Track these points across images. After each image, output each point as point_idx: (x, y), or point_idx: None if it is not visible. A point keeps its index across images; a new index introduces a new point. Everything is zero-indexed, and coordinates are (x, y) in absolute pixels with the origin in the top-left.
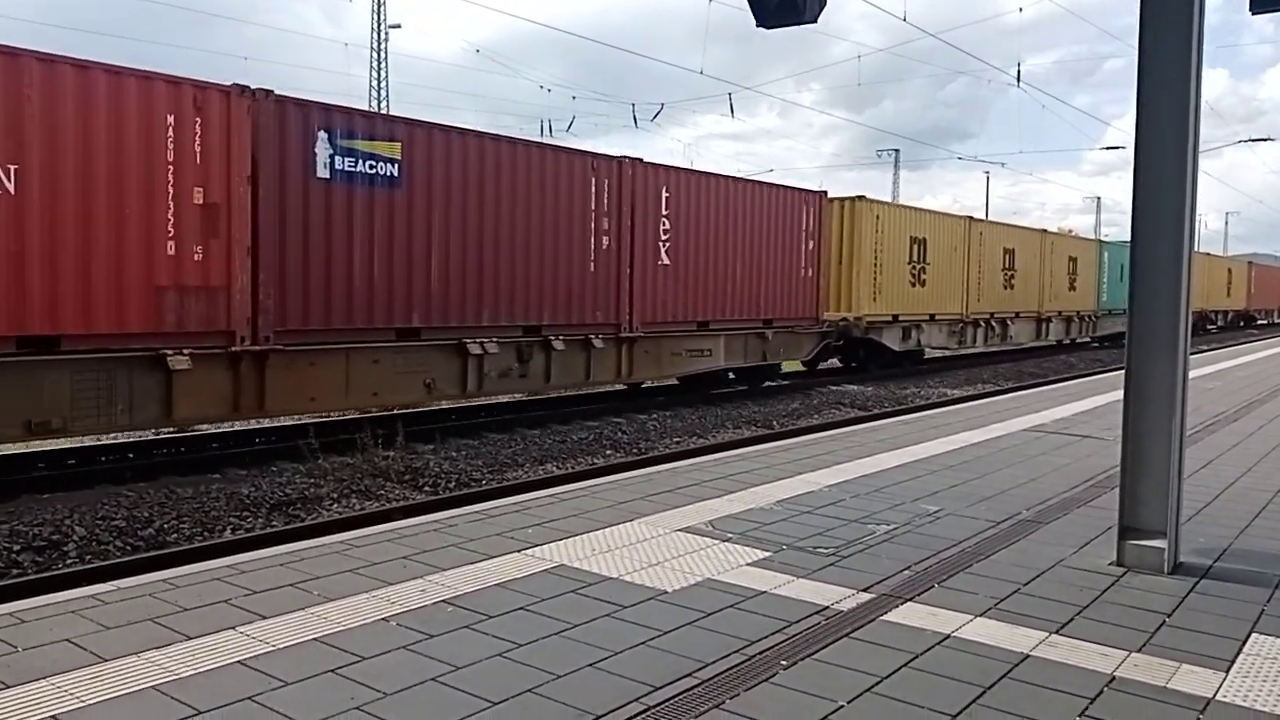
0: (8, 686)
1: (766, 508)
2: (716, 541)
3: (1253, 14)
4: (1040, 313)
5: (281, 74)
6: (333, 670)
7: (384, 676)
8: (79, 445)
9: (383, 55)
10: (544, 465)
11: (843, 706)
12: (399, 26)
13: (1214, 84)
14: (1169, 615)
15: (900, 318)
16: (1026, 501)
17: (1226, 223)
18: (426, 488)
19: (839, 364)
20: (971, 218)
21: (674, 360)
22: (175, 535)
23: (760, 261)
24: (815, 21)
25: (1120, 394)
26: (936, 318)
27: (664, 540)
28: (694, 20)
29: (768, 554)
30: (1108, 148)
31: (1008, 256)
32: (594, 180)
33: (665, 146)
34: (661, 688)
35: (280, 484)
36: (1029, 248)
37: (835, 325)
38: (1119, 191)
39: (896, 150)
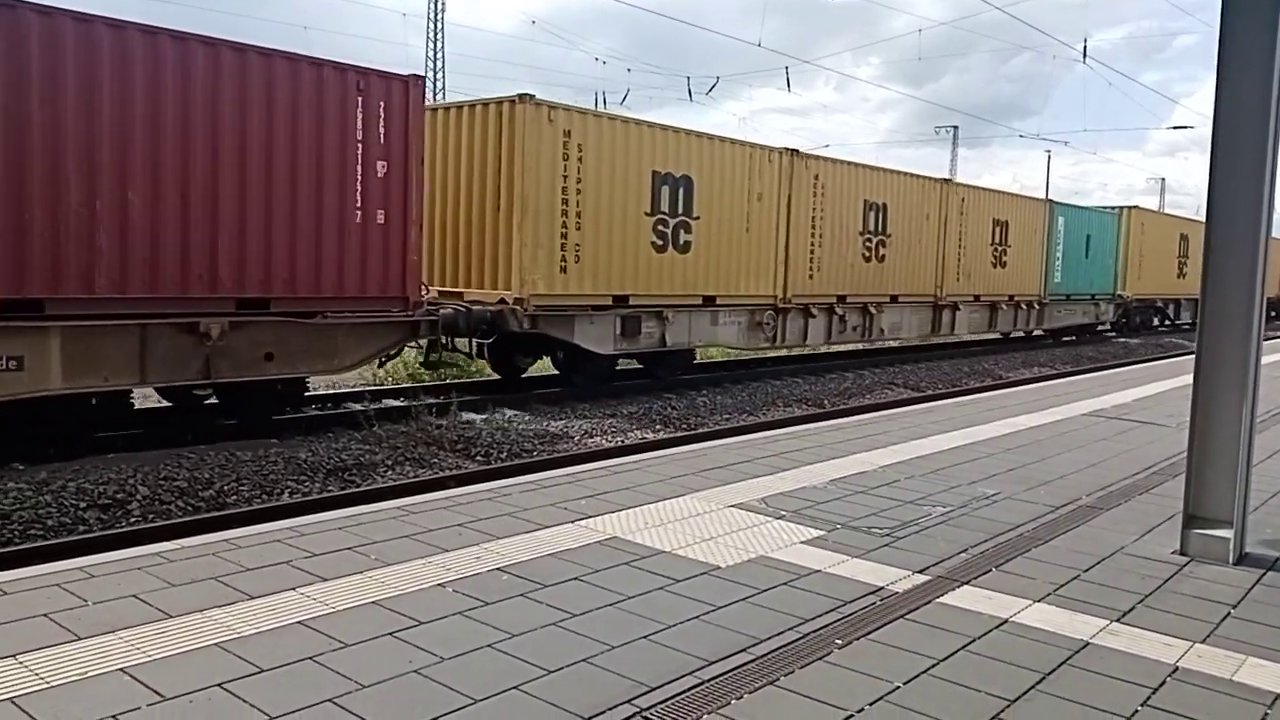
0: (79, 639)
1: (820, 486)
2: (769, 519)
3: None
4: (939, 296)
5: (340, 43)
6: (391, 633)
7: (441, 641)
8: (143, 407)
9: (439, 26)
10: (593, 438)
11: (899, 688)
12: None
13: None
14: (1234, 607)
15: (632, 300)
16: (1086, 487)
17: None
18: (479, 456)
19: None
20: (794, 151)
21: None
22: (235, 497)
23: (233, 194)
24: None
25: (1182, 380)
26: (719, 301)
27: (716, 516)
28: None
29: (821, 532)
30: (1175, 127)
31: (872, 215)
32: None
33: (720, 119)
34: (715, 662)
35: (336, 450)
36: (910, 202)
37: (466, 312)
38: (1184, 173)
39: (955, 127)
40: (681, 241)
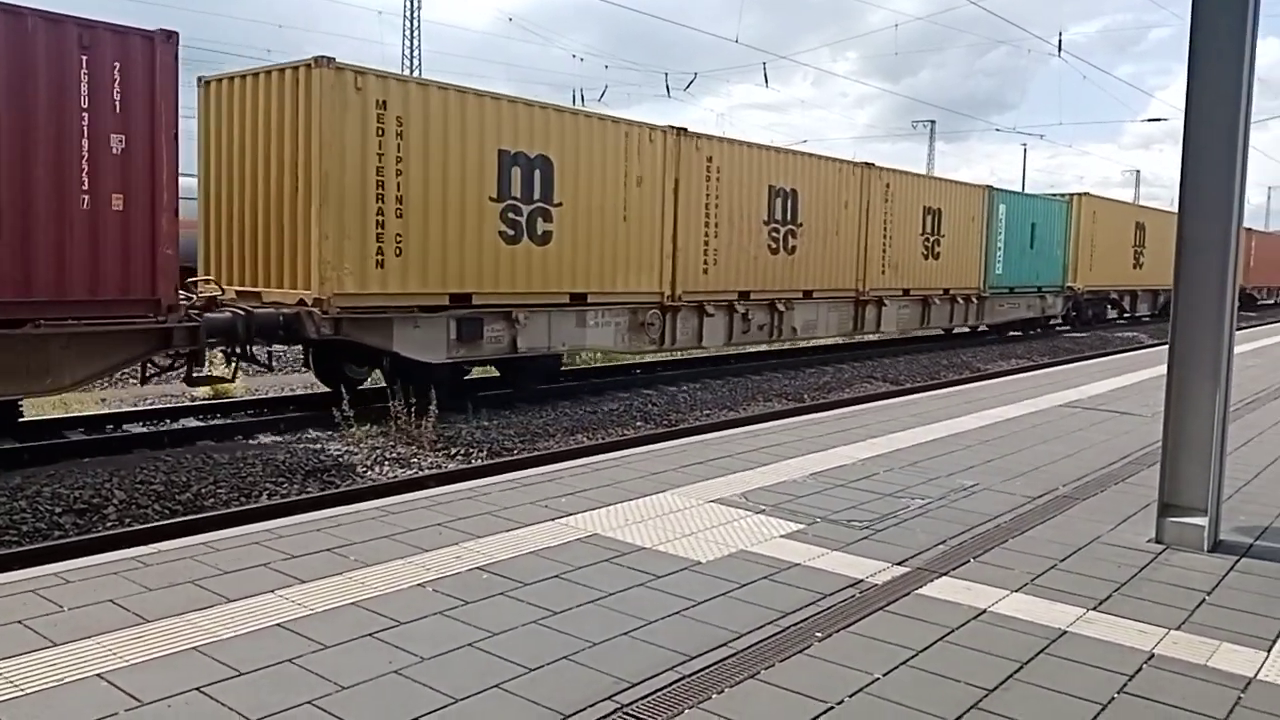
0: (55, 645)
1: (799, 480)
2: (749, 513)
3: None
4: (862, 291)
5: (316, 40)
6: (371, 634)
7: (421, 641)
8: (116, 411)
9: (416, 23)
10: (575, 435)
11: (878, 679)
12: None
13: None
14: (1209, 593)
15: (475, 300)
16: (1063, 477)
17: (1269, 197)
18: (459, 456)
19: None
20: (680, 129)
21: None
22: (212, 500)
23: None
24: None
25: (1157, 371)
26: (591, 300)
27: (697, 511)
28: None
29: (801, 526)
30: (1150, 120)
31: (780, 202)
32: None
33: (698, 115)
34: (696, 657)
35: (315, 451)
36: (825, 189)
37: (246, 316)
38: (1160, 165)
39: (932, 121)
40: (539, 232)
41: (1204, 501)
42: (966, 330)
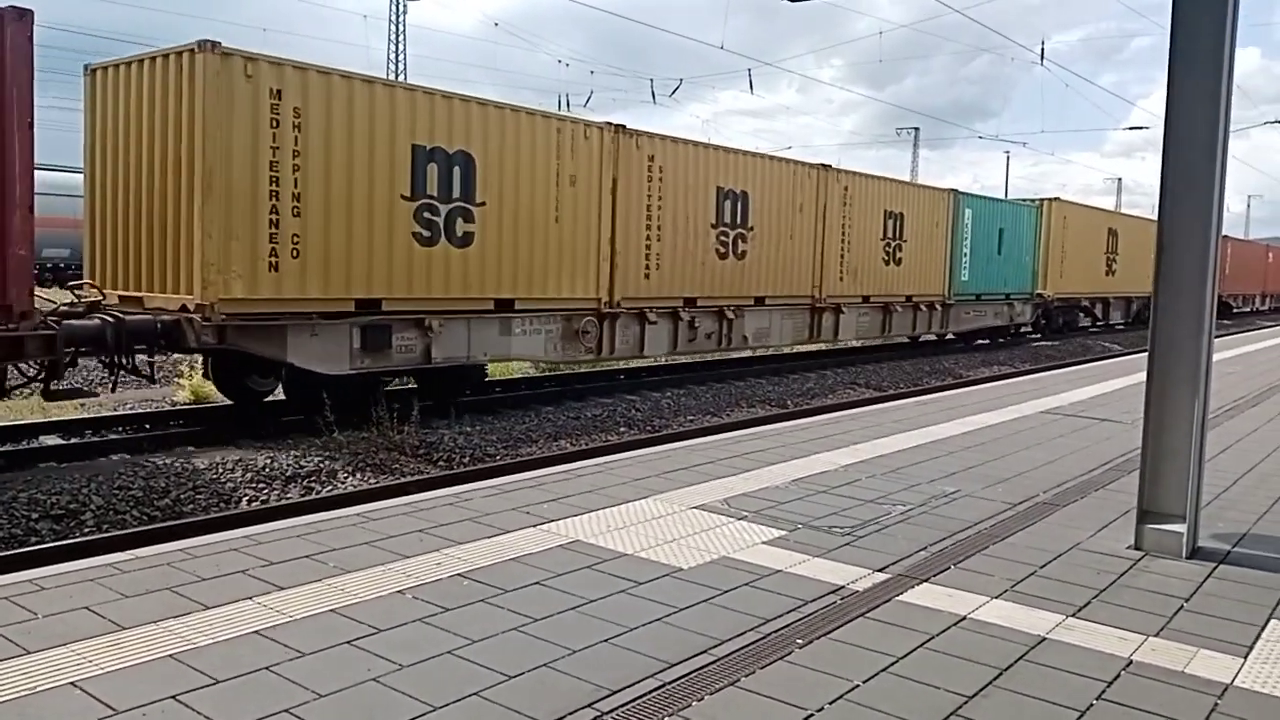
0: (29, 653)
1: (781, 486)
2: (732, 519)
3: None
4: (818, 298)
5: (301, 45)
6: (349, 642)
7: (400, 649)
8: (96, 415)
9: (401, 28)
10: (558, 441)
11: (858, 686)
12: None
13: (1244, 62)
14: (1187, 600)
15: (385, 306)
16: (1044, 484)
17: (1249, 206)
18: (441, 462)
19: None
20: (619, 127)
21: None
22: (192, 506)
23: None
24: None
25: (1138, 378)
26: (518, 306)
27: (679, 517)
28: None
29: (783, 533)
30: (1132, 128)
31: (729, 204)
32: None
33: (684, 122)
34: (677, 664)
35: (296, 456)
36: (778, 191)
37: (116, 323)
38: (1141, 173)
39: (916, 128)
40: (459, 233)
41: (1183, 508)
42: (932, 339)
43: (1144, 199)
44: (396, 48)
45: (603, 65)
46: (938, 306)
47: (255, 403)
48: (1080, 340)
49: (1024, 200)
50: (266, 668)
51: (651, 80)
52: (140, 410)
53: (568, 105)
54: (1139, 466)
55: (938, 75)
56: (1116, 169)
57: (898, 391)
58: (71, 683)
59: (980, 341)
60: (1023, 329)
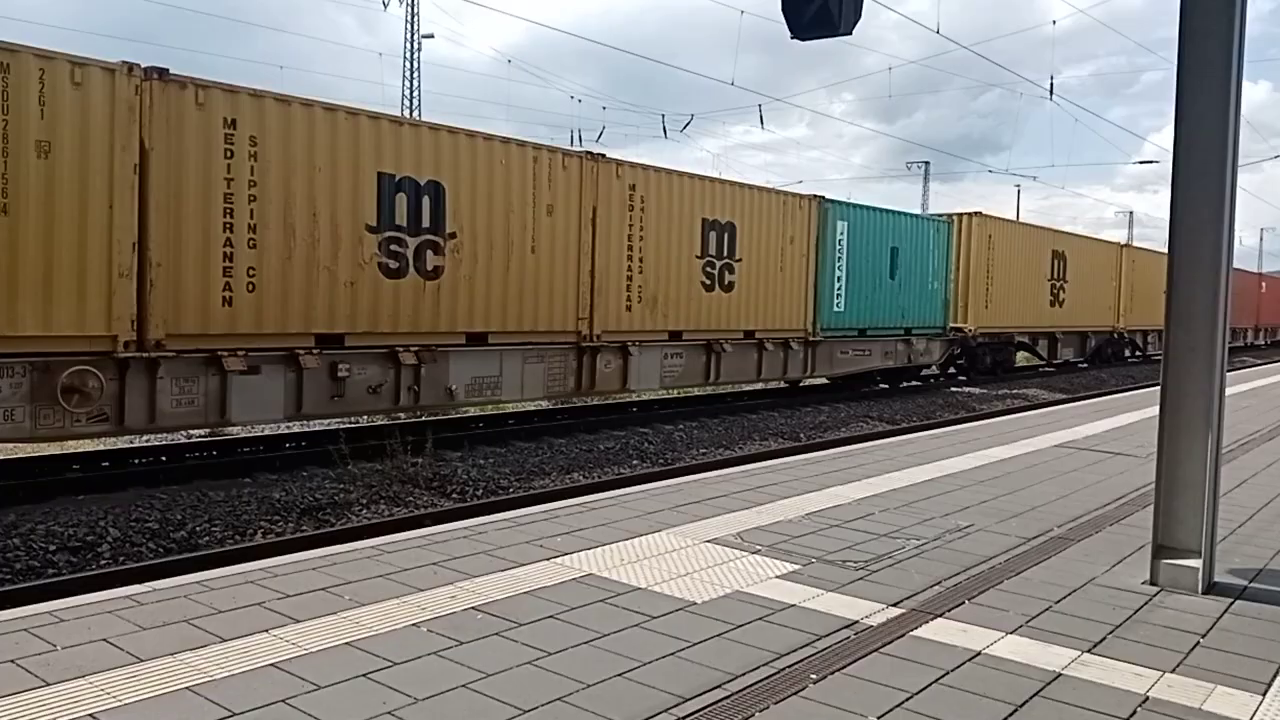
0: (47, 684)
1: (795, 520)
2: (745, 553)
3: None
4: (584, 336)
5: (317, 82)
6: (364, 675)
7: (415, 682)
8: (112, 447)
9: (416, 64)
10: (571, 474)
11: None
12: (431, 36)
13: (1254, 96)
14: (1203, 636)
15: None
16: (1058, 518)
17: (1261, 239)
18: (455, 494)
19: None
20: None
21: None
22: (207, 538)
23: None
24: (850, 34)
25: (1152, 413)
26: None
27: (692, 551)
28: (725, 29)
29: (797, 567)
30: (1143, 162)
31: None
32: None
33: (695, 157)
34: (690, 699)
35: (310, 489)
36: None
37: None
38: (1152, 206)
39: (926, 162)
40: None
41: (1198, 543)
42: (784, 386)
43: (1155, 232)
44: (411, 84)
45: (615, 101)
46: (794, 345)
47: None
48: (1011, 387)
49: (933, 215)
50: (283, 700)
51: (663, 115)
52: (156, 443)
53: (580, 140)
54: (1153, 501)
55: (947, 109)
56: (1128, 202)
57: (910, 425)
58: (90, 714)
59: (881, 386)
60: (933, 370)
